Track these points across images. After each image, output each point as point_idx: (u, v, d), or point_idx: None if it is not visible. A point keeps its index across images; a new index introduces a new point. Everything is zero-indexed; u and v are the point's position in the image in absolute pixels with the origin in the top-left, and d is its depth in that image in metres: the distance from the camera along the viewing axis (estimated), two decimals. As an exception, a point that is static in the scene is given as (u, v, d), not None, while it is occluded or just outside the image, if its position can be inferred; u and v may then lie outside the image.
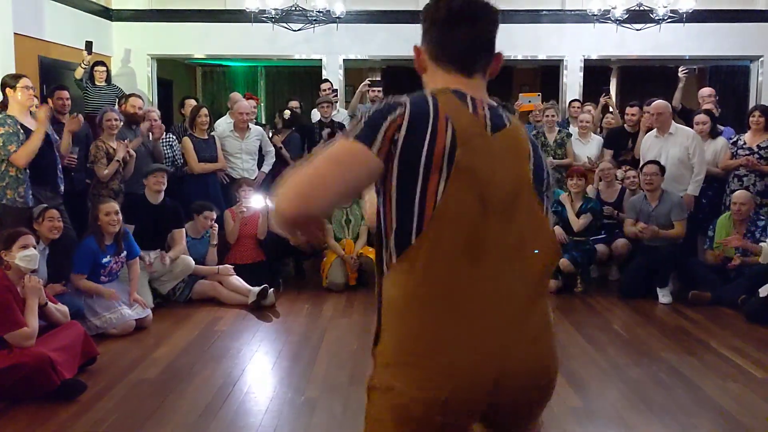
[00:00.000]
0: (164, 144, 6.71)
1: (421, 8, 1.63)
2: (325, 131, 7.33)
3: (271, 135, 7.49)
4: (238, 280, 5.88)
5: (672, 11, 7.65)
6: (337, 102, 8.31)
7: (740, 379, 4.05)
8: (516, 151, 1.52)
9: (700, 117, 6.66)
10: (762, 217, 5.98)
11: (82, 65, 7.44)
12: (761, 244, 5.66)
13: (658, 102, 6.46)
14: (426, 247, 1.41)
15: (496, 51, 1.61)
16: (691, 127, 6.58)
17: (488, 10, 1.56)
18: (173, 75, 11.46)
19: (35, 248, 4.13)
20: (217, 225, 6.20)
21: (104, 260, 5.02)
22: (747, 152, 6.40)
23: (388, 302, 1.49)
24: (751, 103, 8.81)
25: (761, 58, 9.29)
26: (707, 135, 6.55)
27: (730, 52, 9.25)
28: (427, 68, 1.59)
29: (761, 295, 5.29)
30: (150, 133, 6.62)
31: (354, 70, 10.94)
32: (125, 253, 5.18)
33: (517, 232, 1.48)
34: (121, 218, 5.08)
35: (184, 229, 5.95)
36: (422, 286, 1.43)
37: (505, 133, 1.51)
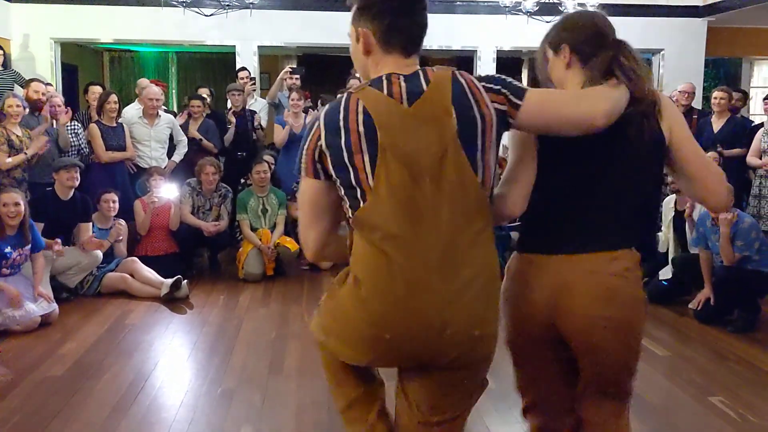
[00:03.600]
0: (69, 131, 6.42)
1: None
2: (234, 120, 7.22)
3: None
4: (149, 272, 5.70)
5: (580, 4, 7.93)
6: (254, 90, 8.17)
7: (642, 357, 4.20)
8: (434, 114, 1.64)
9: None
10: (662, 206, 6.26)
11: (-24, 51, 7.03)
12: (659, 234, 5.93)
13: None
14: (369, 212, 1.65)
15: None
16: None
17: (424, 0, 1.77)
18: (78, 60, 10.99)
19: None
20: (123, 223, 5.99)
21: (6, 250, 4.77)
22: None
23: (353, 252, 1.72)
24: (653, 95, 9.22)
25: (662, 52, 9.75)
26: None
27: (634, 45, 9.47)
28: (372, 51, 1.75)
29: (661, 278, 5.57)
30: (54, 120, 6.33)
31: (268, 57, 10.78)
32: (29, 246, 4.93)
33: (447, 191, 1.63)
34: (22, 210, 4.82)
35: (90, 222, 5.73)
36: (373, 244, 1.65)
37: (423, 100, 1.65)
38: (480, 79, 1.73)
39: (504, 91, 1.71)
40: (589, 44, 1.90)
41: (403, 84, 1.68)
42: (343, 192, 1.70)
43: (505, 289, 1.95)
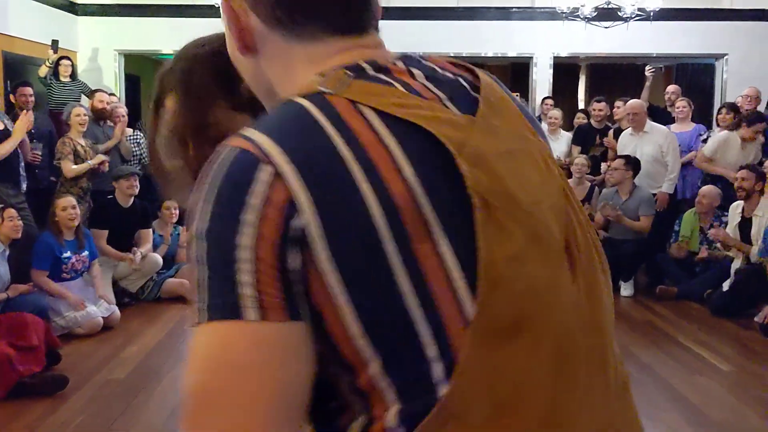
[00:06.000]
0: (132, 141, 6.61)
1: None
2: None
3: None
4: (208, 278, 5.81)
5: (640, 9, 7.75)
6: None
7: (707, 373, 4.11)
8: (517, 130, 0.78)
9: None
10: (726, 213, 6.06)
11: (47, 64, 7.28)
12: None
13: (634, 101, 6.58)
14: (505, 368, 0.66)
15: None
16: (664, 123, 6.68)
17: None
18: (141, 71, 11.30)
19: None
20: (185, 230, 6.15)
21: (64, 255, 4.94)
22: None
23: None
24: (716, 101, 8.96)
25: (726, 56, 9.45)
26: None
27: (696, 50, 9.40)
28: (260, 43, 0.80)
29: (725, 289, 5.39)
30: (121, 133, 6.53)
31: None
32: (87, 252, 5.10)
33: (591, 284, 0.76)
34: (79, 212, 5.02)
35: (150, 228, 5.90)
36: None
37: (489, 100, 0.76)
38: None
39: None
40: None
41: (425, 81, 0.74)
42: (361, 342, 0.64)
43: None
